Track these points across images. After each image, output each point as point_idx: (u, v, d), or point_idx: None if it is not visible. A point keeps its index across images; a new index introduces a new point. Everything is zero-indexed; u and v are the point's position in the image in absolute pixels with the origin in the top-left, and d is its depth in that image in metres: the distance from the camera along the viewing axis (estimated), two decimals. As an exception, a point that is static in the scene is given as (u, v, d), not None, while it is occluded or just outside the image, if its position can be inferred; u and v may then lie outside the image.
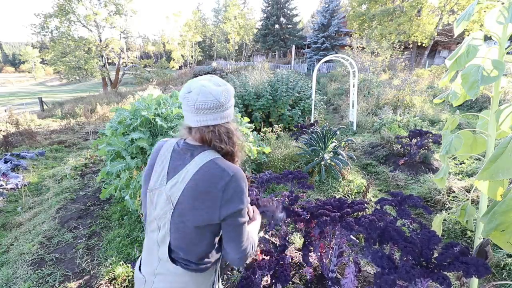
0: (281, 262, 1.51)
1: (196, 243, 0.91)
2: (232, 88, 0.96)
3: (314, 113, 7.34)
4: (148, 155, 2.70)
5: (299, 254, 2.25)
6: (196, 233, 0.90)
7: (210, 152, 0.92)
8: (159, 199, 0.93)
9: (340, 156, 4.02)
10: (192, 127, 0.94)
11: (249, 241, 0.97)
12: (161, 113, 2.90)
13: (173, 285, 0.93)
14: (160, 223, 0.93)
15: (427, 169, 4.27)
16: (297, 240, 2.54)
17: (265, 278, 1.93)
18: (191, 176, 0.88)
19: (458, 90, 1.57)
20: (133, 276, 2.27)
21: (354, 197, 3.55)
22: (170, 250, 0.92)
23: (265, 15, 31.99)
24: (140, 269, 1.02)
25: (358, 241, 1.88)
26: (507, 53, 1.40)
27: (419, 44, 18.07)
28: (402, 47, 15.77)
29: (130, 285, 2.22)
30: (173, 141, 1.02)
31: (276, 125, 5.89)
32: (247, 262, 2.22)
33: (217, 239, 0.97)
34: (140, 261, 1.05)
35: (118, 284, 2.21)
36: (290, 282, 1.92)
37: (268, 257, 1.65)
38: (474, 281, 1.51)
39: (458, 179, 3.76)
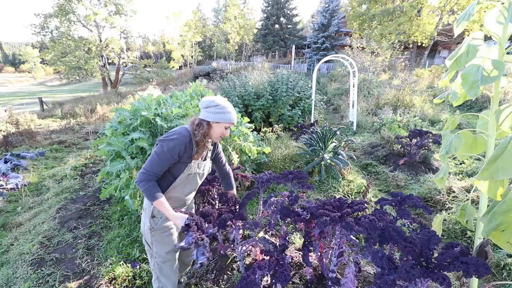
0: (281, 262, 1.51)
1: None
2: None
3: (314, 113, 7.33)
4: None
5: (299, 254, 2.25)
6: None
7: None
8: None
9: (340, 156, 4.01)
10: None
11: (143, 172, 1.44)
12: (161, 113, 2.89)
13: None
14: None
15: (427, 169, 4.27)
16: (297, 240, 2.53)
17: (265, 278, 1.93)
18: None
19: (458, 90, 1.57)
20: (133, 276, 2.27)
21: (354, 197, 3.54)
22: None
23: (265, 15, 31.94)
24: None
25: (358, 241, 1.88)
26: (507, 53, 1.39)
27: (419, 44, 18.04)
28: (402, 47, 15.71)
29: (130, 285, 2.22)
30: None
31: (276, 125, 5.89)
32: (247, 262, 2.22)
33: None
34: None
35: (118, 284, 2.21)
36: (290, 282, 1.92)
37: (268, 257, 1.65)
38: (474, 281, 1.51)
39: (458, 179, 3.76)
